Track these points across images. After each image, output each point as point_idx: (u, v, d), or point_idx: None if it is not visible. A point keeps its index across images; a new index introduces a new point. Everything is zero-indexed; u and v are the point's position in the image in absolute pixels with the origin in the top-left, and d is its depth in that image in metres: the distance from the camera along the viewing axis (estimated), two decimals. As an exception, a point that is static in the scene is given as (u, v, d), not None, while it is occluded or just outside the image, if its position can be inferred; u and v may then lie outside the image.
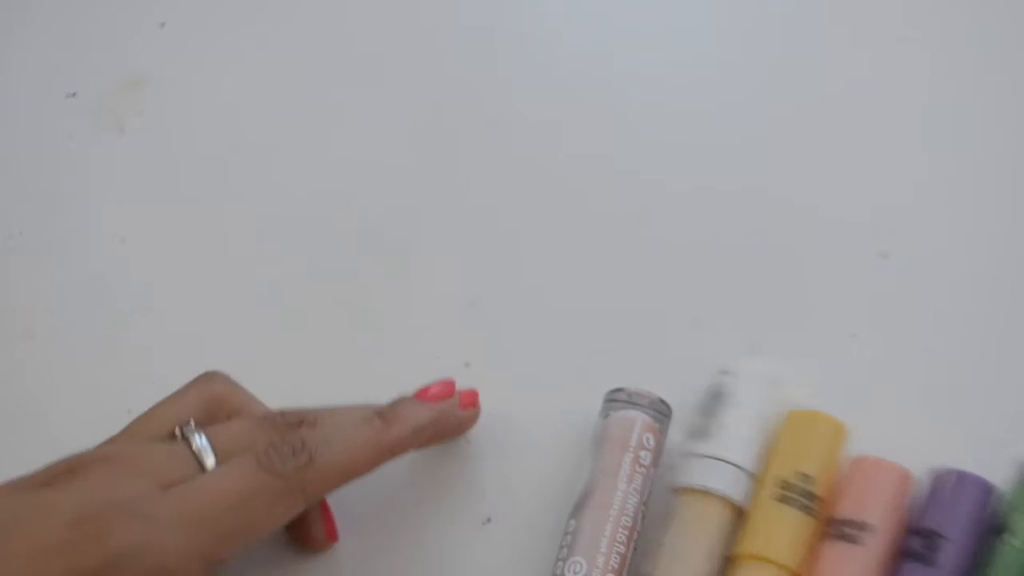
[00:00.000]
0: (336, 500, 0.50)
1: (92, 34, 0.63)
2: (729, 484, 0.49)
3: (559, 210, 0.59)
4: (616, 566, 0.47)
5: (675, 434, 0.51)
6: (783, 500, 0.48)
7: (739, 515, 0.49)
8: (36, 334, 0.57)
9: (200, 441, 0.45)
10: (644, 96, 0.61)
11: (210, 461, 0.45)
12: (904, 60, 0.61)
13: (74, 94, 0.61)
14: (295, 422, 0.46)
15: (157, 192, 0.59)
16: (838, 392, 0.52)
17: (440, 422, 0.49)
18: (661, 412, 0.50)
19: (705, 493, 0.49)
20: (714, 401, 0.50)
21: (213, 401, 0.48)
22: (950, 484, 0.49)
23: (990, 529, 0.49)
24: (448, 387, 0.50)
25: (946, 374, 0.54)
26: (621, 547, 0.47)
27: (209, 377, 0.49)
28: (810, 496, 0.48)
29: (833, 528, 0.48)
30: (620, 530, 0.48)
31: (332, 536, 0.50)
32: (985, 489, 0.49)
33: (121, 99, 0.61)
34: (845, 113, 0.60)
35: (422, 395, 0.49)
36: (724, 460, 0.49)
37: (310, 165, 0.60)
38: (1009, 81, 0.60)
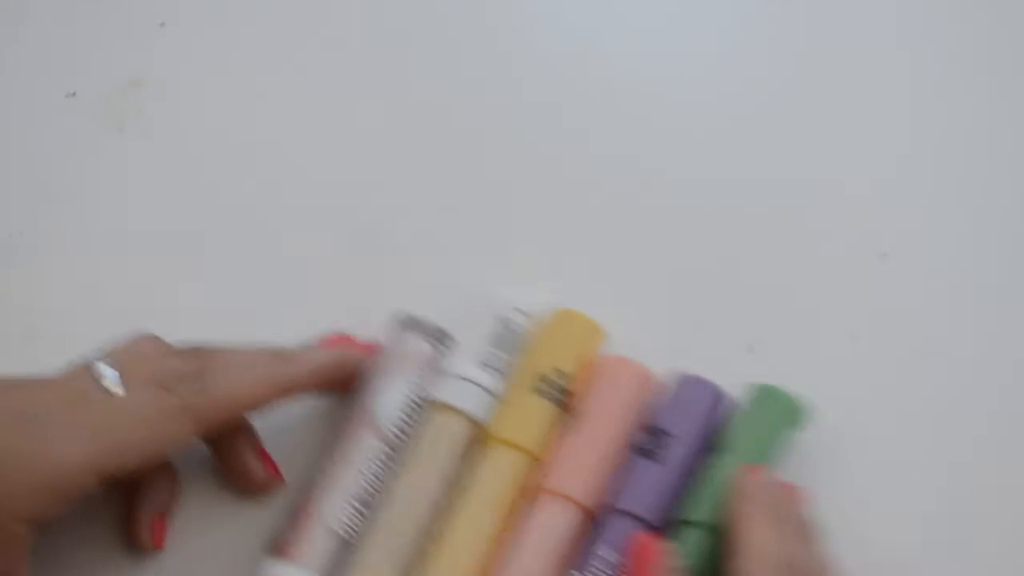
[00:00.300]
0: (281, 446, 0.53)
1: (92, 34, 0.63)
2: (468, 400, 0.52)
3: (558, 207, 0.59)
4: (367, 486, 0.51)
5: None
6: (538, 392, 0.52)
7: (480, 429, 0.52)
8: (36, 334, 0.57)
9: (104, 366, 0.48)
10: (644, 95, 0.61)
11: (112, 384, 0.48)
12: (905, 60, 0.61)
13: (74, 94, 0.61)
14: (200, 354, 0.49)
15: (157, 192, 0.59)
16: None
17: (338, 366, 0.52)
18: (440, 341, 0.53)
19: (446, 407, 0.52)
20: (505, 336, 0.53)
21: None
22: (684, 386, 0.52)
23: (716, 441, 0.51)
24: (348, 338, 0.53)
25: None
26: (377, 464, 0.51)
27: (141, 333, 0.51)
28: (563, 391, 0.52)
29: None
30: (379, 443, 0.51)
31: (277, 476, 0.52)
32: (715, 394, 0.52)
33: (121, 99, 0.61)
34: (846, 112, 0.60)
35: (323, 342, 0.53)
36: (470, 380, 0.52)
37: (310, 165, 0.60)
38: (1011, 81, 0.60)
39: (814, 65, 0.61)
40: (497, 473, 0.51)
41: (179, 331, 0.57)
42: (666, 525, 0.50)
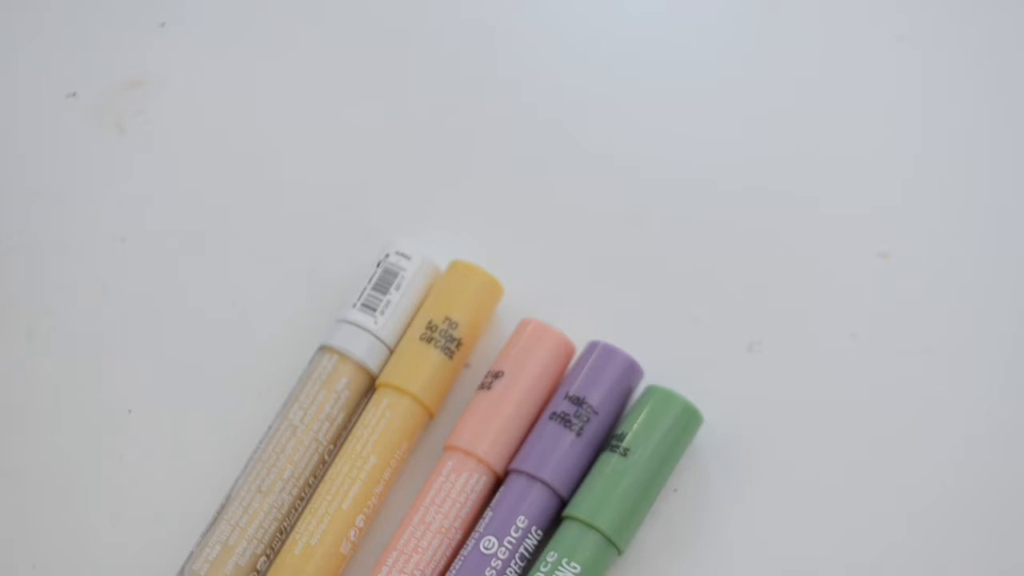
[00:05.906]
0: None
1: (92, 34, 0.63)
2: (344, 340, 0.53)
3: (558, 207, 0.59)
4: None
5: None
6: (427, 340, 0.53)
7: (368, 380, 0.54)
8: (36, 334, 0.57)
9: None
10: (642, 93, 0.61)
11: None
12: (905, 59, 0.61)
13: (74, 94, 0.61)
14: None
15: (157, 192, 0.59)
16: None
17: None
18: None
19: (326, 348, 0.53)
20: (385, 278, 0.54)
21: None
22: (610, 361, 0.52)
23: (612, 437, 0.51)
24: None
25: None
26: None
27: None
28: (452, 340, 0.53)
29: (483, 379, 0.53)
30: None
31: None
32: (637, 373, 0.52)
33: (121, 99, 0.61)
34: (847, 110, 0.60)
35: None
36: (347, 321, 0.54)
37: (311, 165, 0.60)
38: (1011, 80, 0.60)
39: (815, 63, 0.61)
40: (379, 415, 0.52)
41: (179, 330, 0.57)
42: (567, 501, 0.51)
